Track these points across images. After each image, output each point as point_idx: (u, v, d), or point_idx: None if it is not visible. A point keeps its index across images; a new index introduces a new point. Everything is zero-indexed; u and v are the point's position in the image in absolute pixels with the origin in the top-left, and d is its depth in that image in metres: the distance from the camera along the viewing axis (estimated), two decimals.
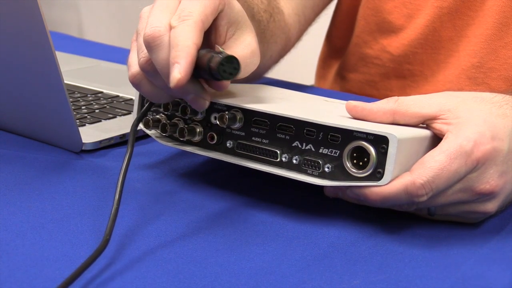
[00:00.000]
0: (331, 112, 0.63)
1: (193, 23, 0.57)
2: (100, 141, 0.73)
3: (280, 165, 0.60)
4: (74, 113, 0.76)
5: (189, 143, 0.66)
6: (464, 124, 0.56)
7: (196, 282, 0.51)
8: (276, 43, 0.91)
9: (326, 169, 0.57)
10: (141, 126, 0.67)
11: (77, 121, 0.76)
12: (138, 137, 0.77)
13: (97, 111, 0.82)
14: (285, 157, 0.60)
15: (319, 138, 0.58)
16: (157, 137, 0.68)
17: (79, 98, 0.86)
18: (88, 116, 0.80)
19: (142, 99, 0.68)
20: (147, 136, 0.77)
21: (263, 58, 0.75)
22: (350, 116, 0.59)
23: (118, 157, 0.71)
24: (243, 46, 0.62)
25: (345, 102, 0.70)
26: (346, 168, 0.56)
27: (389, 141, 0.54)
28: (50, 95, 0.70)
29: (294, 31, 0.97)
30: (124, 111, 0.82)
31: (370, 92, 1.00)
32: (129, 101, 0.86)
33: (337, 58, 1.08)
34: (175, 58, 0.56)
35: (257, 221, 0.60)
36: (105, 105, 0.84)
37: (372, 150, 0.55)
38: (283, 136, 0.60)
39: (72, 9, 2.98)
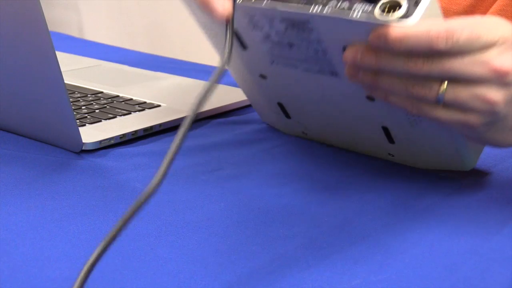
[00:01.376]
0: None
1: None
2: (100, 141, 0.73)
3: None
4: (74, 113, 0.76)
5: None
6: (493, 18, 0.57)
7: (196, 282, 0.51)
8: None
9: (356, 13, 0.56)
10: None
11: (77, 121, 0.76)
12: (138, 137, 0.77)
13: (97, 111, 0.82)
14: (320, 4, 0.59)
15: None
16: None
17: (79, 98, 0.86)
18: (88, 116, 0.80)
19: None
20: (147, 136, 0.78)
21: None
22: None
23: (118, 157, 0.71)
24: None
25: None
26: (376, 15, 0.56)
27: None
28: (50, 95, 0.70)
29: None
30: (124, 111, 0.82)
31: None
32: (129, 101, 0.86)
33: None
34: None
35: (258, 221, 0.60)
36: (105, 105, 0.84)
37: None
38: None
39: (72, 9, 2.98)
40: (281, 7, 0.61)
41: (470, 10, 0.89)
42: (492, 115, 0.58)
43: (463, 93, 0.57)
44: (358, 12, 0.56)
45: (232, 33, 0.57)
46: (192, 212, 0.61)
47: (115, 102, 0.85)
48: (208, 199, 0.64)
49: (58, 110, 0.70)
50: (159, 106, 0.85)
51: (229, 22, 0.58)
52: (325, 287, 0.51)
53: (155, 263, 0.53)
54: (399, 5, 0.55)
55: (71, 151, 0.72)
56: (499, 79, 0.56)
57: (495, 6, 0.88)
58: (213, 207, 0.62)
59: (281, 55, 0.67)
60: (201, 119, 0.83)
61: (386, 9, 0.56)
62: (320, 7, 0.59)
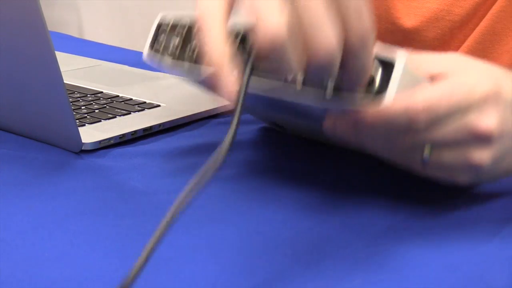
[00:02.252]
0: None
1: None
2: (100, 141, 0.73)
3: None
4: (74, 113, 0.76)
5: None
6: (469, 71, 0.57)
7: (196, 282, 0.51)
8: None
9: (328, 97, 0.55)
10: (150, 53, 0.64)
11: (77, 121, 0.76)
12: (138, 137, 0.77)
13: (97, 111, 0.82)
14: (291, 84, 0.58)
15: None
16: (168, 64, 0.64)
17: (79, 98, 0.86)
18: (88, 116, 0.80)
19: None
20: (147, 136, 0.77)
21: None
22: None
23: (118, 157, 0.71)
24: None
25: None
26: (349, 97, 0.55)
27: (395, 61, 0.54)
28: (50, 95, 0.70)
29: None
30: (124, 111, 0.82)
31: None
32: (129, 101, 0.86)
33: None
34: None
35: (258, 221, 0.60)
36: (105, 105, 0.84)
37: (379, 70, 0.54)
38: None
39: (72, 9, 2.98)
40: (251, 88, 0.59)
41: (472, 13, 0.89)
42: (479, 173, 0.58)
43: (447, 157, 0.57)
44: (329, 95, 0.55)
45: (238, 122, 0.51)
46: (192, 212, 0.61)
47: (114, 102, 0.85)
48: (208, 199, 0.64)
49: (57, 110, 0.70)
50: (158, 106, 0.84)
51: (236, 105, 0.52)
52: (325, 287, 0.51)
53: (155, 263, 0.53)
54: (372, 79, 0.55)
55: (70, 151, 0.72)
56: (483, 140, 0.56)
57: (494, 7, 0.87)
58: (213, 207, 0.62)
59: (269, 109, 0.68)
60: (201, 119, 0.83)
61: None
62: (292, 90, 0.57)
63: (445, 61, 0.58)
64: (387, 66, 0.54)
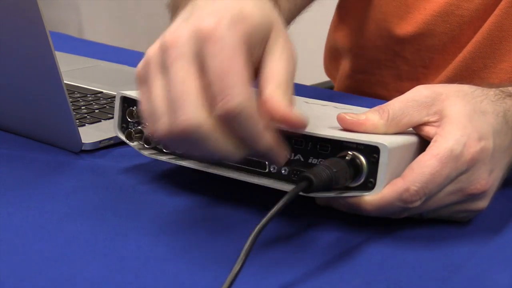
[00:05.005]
0: (318, 118, 0.62)
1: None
2: (100, 141, 0.73)
3: (269, 175, 0.59)
4: (74, 113, 0.76)
5: (174, 154, 0.64)
6: (452, 124, 0.56)
7: (196, 282, 0.51)
8: None
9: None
10: (122, 137, 0.66)
11: (77, 121, 0.76)
12: None
13: (97, 111, 0.82)
14: (273, 168, 0.59)
15: (308, 148, 0.57)
16: (140, 149, 0.66)
17: (79, 98, 0.86)
18: (88, 116, 0.80)
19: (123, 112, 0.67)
20: None
21: None
22: (336, 124, 0.58)
23: (118, 157, 0.71)
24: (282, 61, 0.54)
25: (325, 103, 0.69)
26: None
27: (380, 151, 0.53)
28: (50, 95, 0.70)
29: (284, 17, 0.96)
30: None
31: (381, 92, 1.00)
32: None
33: (344, 58, 1.07)
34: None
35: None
36: (105, 105, 0.84)
37: (363, 160, 0.54)
38: None
39: (72, 9, 2.98)
40: (236, 175, 0.60)
41: (482, 9, 0.89)
42: (480, 211, 0.59)
43: (445, 212, 0.59)
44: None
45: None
46: (193, 213, 0.61)
47: (114, 102, 0.85)
48: (210, 198, 0.64)
49: (57, 110, 0.70)
50: None
51: None
52: (325, 287, 0.51)
53: (155, 263, 0.53)
54: (358, 167, 0.55)
55: (70, 151, 0.72)
56: (477, 197, 0.57)
57: (503, 3, 0.88)
58: (214, 208, 0.62)
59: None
60: None
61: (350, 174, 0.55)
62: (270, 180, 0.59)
63: (421, 105, 0.58)
64: (371, 153, 0.54)
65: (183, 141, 0.51)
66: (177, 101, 0.50)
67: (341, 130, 0.57)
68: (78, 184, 0.66)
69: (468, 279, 0.52)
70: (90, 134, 0.74)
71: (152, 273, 0.52)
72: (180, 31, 0.52)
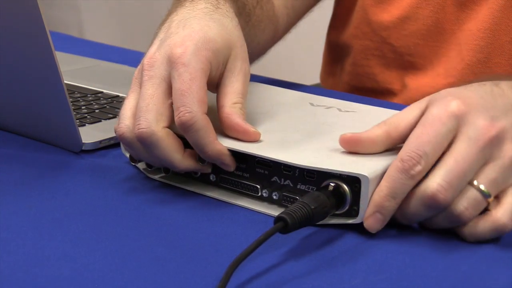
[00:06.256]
0: (314, 136, 0.64)
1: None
2: (100, 141, 0.73)
3: (261, 199, 0.62)
4: (74, 113, 0.76)
5: (175, 175, 0.66)
6: (436, 100, 0.57)
7: (196, 282, 0.51)
8: (264, 31, 0.90)
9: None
10: (127, 155, 0.68)
11: (77, 121, 0.76)
12: None
13: (97, 111, 0.82)
14: (265, 192, 0.61)
15: (296, 175, 0.59)
16: (143, 168, 0.67)
17: (79, 98, 0.86)
18: (88, 116, 0.80)
19: None
20: None
21: (250, 43, 0.75)
22: (334, 139, 0.60)
23: (118, 157, 0.71)
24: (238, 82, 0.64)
25: (330, 103, 0.69)
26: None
27: (361, 181, 0.55)
28: (50, 95, 0.70)
29: (283, 23, 0.97)
30: None
31: (371, 85, 1.00)
32: None
33: (340, 52, 1.08)
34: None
35: (259, 221, 0.60)
36: (105, 105, 0.84)
37: (346, 189, 0.56)
38: (262, 171, 0.61)
39: (72, 9, 2.98)
40: (230, 199, 0.63)
41: None
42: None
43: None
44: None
45: None
46: (192, 213, 0.61)
47: (115, 102, 0.85)
48: (209, 198, 0.64)
49: (58, 110, 0.70)
50: None
51: None
52: (325, 287, 0.51)
53: (155, 263, 0.53)
54: (341, 195, 0.56)
55: (71, 151, 0.72)
56: (495, 143, 0.56)
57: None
58: (213, 208, 0.62)
59: None
60: None
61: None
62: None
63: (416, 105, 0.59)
64: (353, 182, 0.56)
65: (139, 145, 0.62)
66: (140, 111, 0.61)
67: (333, 151, 0.59)
68: (78, 184, 0.66)
69: (468, 279, 0.52)
70: (90, 134, 0.74)
71: (152, 273, 0.52)
72: (156, 56, 0.63)
